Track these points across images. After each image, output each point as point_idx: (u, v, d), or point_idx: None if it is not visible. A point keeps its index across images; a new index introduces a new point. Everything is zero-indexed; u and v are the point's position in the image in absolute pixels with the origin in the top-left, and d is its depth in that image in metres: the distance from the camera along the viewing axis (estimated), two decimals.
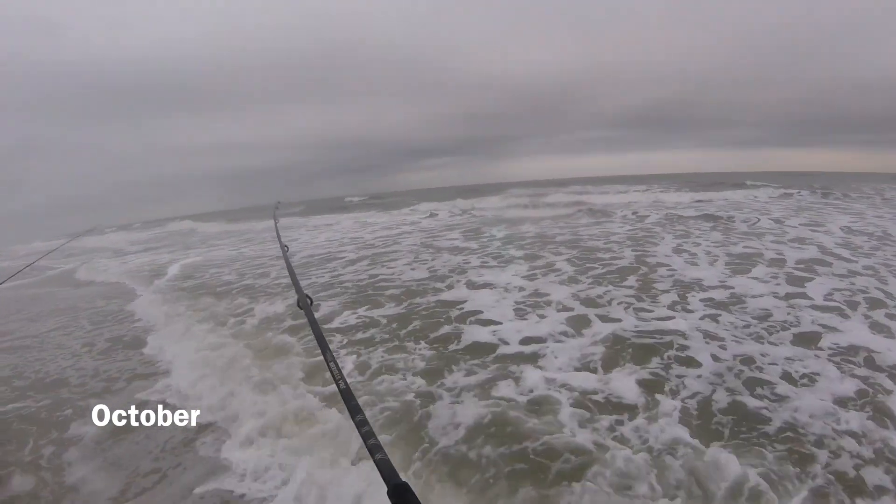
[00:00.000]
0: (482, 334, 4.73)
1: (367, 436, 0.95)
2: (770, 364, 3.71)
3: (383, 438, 2.94)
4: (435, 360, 4.19)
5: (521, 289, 6.27)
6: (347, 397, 1.04)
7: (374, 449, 0.92)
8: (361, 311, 5.80)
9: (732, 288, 5.68)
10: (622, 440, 2.88)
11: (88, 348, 5.65)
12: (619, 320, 4.86)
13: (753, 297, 5.31)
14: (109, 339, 5.95)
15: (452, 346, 4.53)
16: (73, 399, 4.19)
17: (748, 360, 3.80)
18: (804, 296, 5.27)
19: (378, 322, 5.32)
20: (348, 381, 1.19)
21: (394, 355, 4.34)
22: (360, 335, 4.99)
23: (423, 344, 4.61)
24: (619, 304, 5.37)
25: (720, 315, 4.82)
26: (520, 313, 5.30)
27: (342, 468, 2.74)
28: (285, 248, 2.60)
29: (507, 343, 4.50)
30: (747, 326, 4.48)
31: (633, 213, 14.98)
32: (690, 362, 3.83)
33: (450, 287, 6.65)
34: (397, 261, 9.13)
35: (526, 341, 4.51)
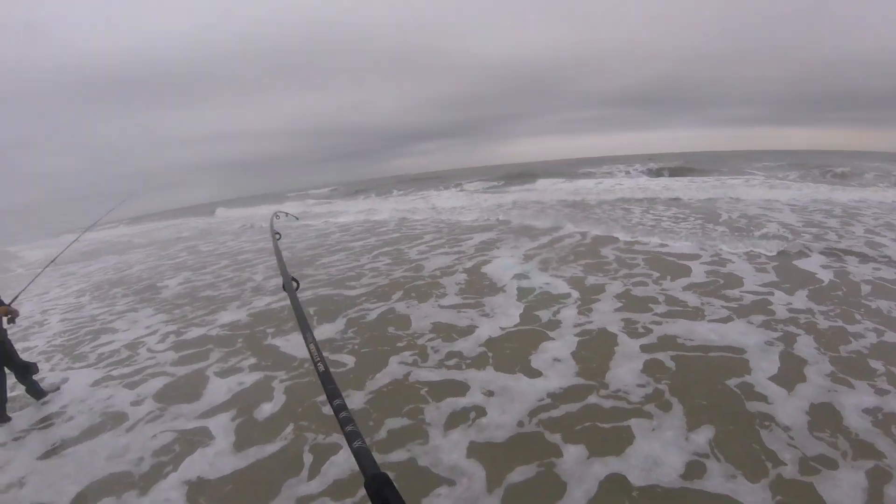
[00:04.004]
0: None
1: (345, 422, 0.86)
2: None
3: None
4: None
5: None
6: (326, 380, 0.95)
7: (351, 436, 0.82)
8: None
9: None
10: None
11: None
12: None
13: None
14: None
15: None
16: None
17: None
18: None
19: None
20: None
21: None
22: None
23: None
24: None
25: None
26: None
27: None
28: (277, 236, 2.61)
29: None
30: None
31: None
32: None
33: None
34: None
35: None
